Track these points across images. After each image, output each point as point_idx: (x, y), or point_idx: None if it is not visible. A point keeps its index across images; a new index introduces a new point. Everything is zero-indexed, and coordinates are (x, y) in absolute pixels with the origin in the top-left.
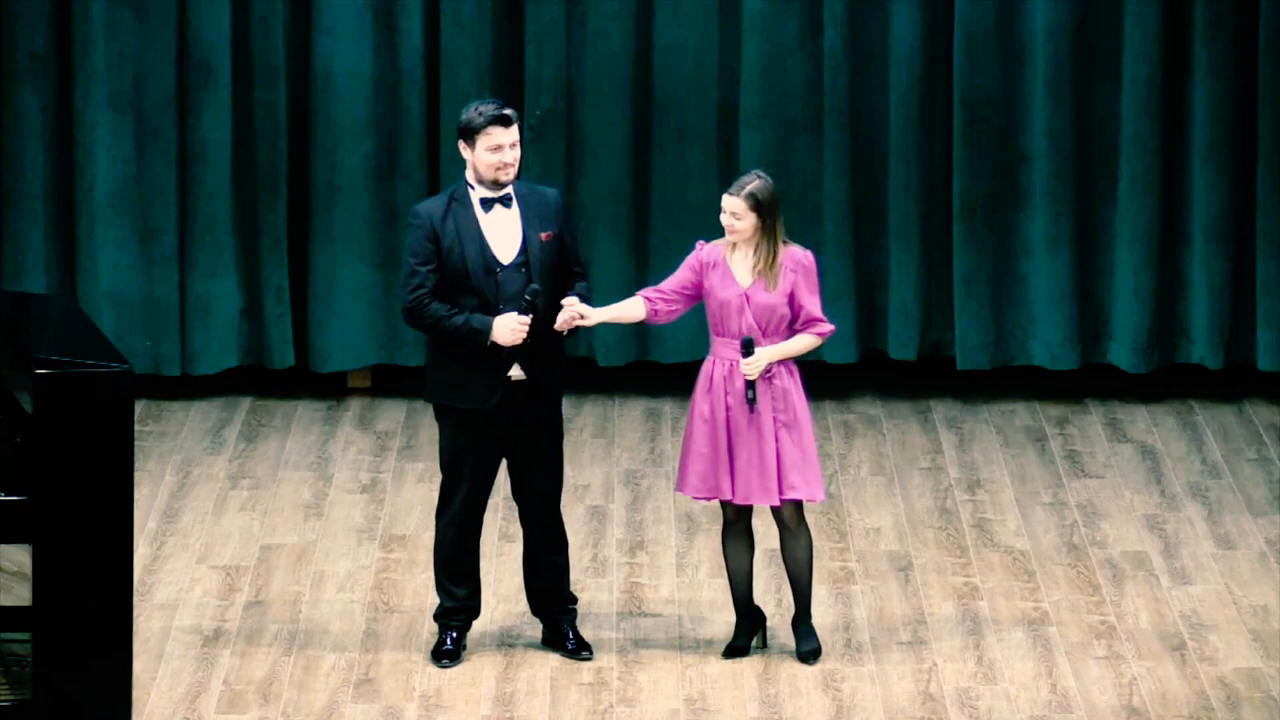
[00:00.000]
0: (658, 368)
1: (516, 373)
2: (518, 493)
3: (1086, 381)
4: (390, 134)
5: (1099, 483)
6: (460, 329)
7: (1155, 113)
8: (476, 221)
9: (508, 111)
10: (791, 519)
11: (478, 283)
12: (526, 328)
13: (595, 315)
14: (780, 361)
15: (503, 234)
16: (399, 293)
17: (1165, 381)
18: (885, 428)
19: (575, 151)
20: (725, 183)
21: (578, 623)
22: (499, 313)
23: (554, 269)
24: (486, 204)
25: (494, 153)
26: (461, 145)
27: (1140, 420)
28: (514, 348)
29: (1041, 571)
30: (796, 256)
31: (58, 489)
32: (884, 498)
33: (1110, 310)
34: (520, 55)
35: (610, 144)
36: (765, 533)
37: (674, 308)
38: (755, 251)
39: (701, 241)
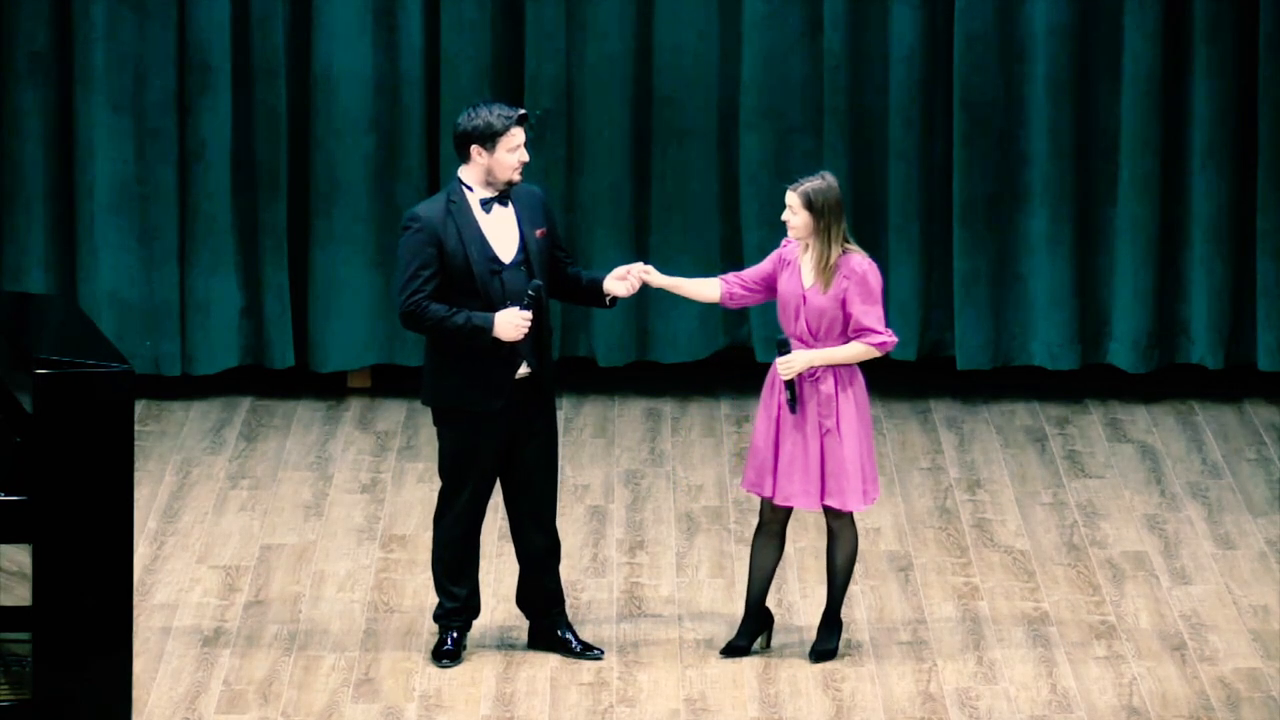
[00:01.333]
0: (658, 368)
1: (522, 369)
2: (514, 496)
3: (1086, 381)
4: (390, 134)
5: (1099, 483)
6: (462, 328)
7: (1155, 113)
8: (476, 223)
9: (525, 110)
10: (834, 523)
11: (482, 283)
12: (529, 323)
13: (661, 279)
14: (830, 367)
15: (502, 233)
16: (395, 297)
17: (1165, 381)
18: (885, 428)
19: (575, 151)
20: (725, 183)
21: (578, 624)
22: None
23: (548, 264)
24: (486, 204)
25: (514, 153)
26: (475, 150)
27: (1140, 420)
28: (517, 344)
29: (1041, 571)
30: (853, 264)
31: (58, 489)
32: (884, 498)
33: (1110, 310)
34: (520, 55)
35: (610, 144)
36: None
37: (748, 294)
38: (813, 253)
39: (789, 238)
